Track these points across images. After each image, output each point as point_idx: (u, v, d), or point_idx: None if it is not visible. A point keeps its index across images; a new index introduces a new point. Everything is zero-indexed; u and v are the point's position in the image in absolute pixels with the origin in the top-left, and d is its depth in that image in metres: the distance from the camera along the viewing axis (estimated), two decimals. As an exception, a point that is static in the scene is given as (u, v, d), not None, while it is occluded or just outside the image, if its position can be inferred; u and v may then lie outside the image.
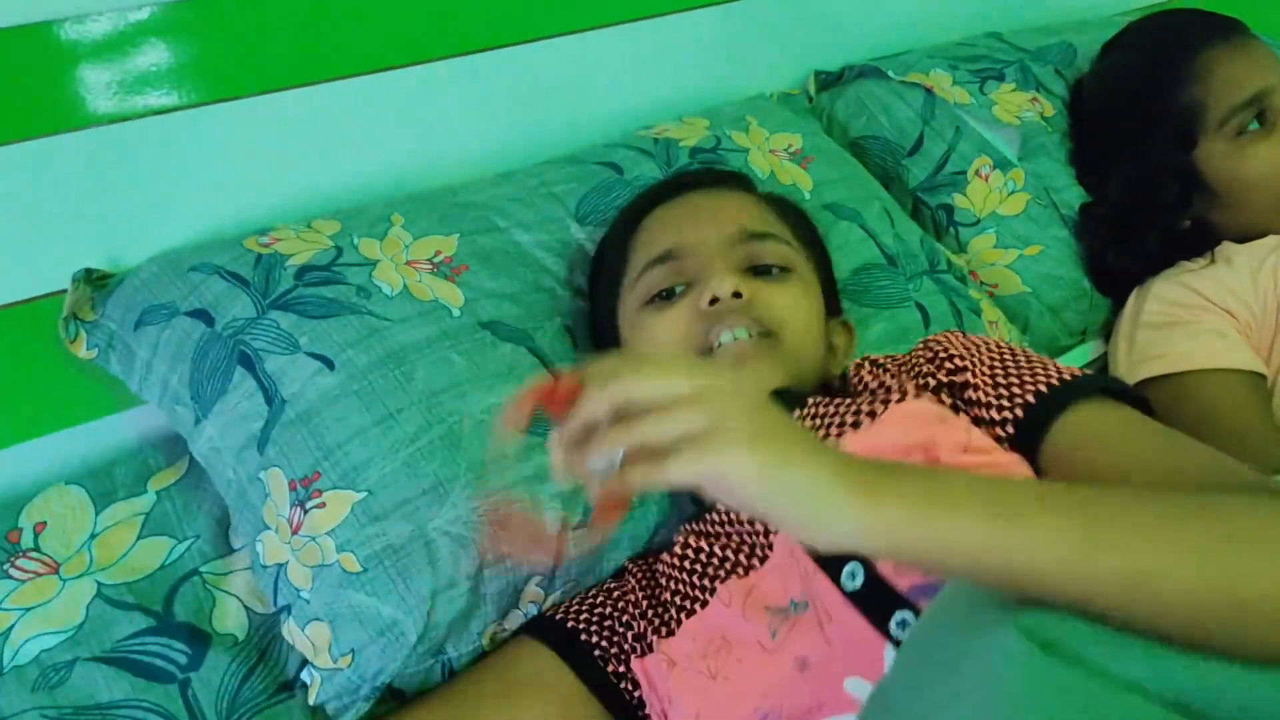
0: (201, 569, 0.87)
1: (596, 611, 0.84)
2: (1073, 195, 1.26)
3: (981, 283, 1.22)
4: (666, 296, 0.85)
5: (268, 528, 0.82)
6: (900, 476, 0.52)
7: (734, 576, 0.77)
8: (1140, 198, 1.20)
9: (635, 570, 0.87)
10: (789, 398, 0.81)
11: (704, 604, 0.77)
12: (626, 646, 0.81)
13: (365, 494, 0.80)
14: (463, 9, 1.08)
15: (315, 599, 0.79)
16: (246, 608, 0.86)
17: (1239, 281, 1.14)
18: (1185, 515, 0.54)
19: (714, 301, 0.81)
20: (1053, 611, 0.51)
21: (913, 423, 0.73)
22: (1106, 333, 1.25)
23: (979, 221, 1.23)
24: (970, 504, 0.51)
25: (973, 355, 0.79)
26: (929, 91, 1.30)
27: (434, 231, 0.97)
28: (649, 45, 1.23)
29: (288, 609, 0.81)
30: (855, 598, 0.68)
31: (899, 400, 0.75)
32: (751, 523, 0.78)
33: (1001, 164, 1.25)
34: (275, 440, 0.83)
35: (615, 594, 0.85)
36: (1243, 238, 1.18)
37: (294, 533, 0.80)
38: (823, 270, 0.93)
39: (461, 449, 0.83)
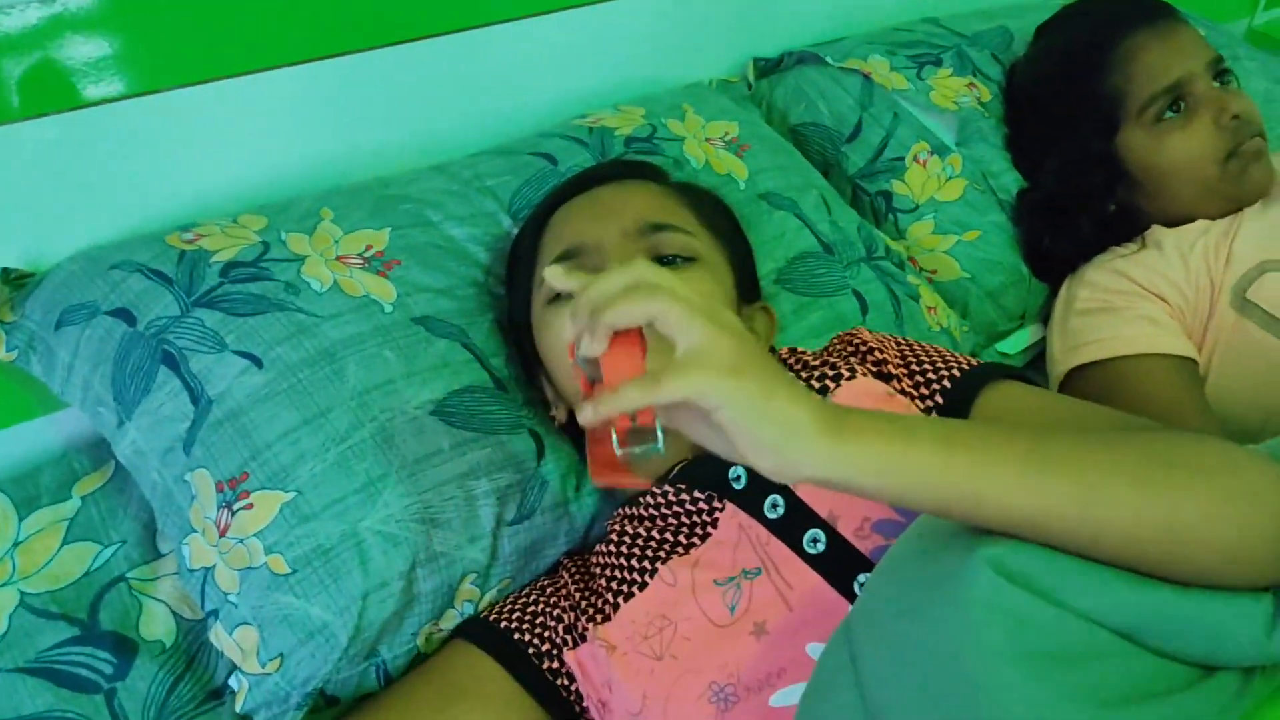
0: (128, 575, 0.85)
1: (529, 610, 0.83)
2: (1010, 180, 1.26)
3: (920, 269, 1.23)
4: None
5: (194, 530, 0.80)
6: (862, 415, 0.56)
7: (675, 556, 0.77)
8: (1071, 183, 1.21)
9: (570, 565, 0.86)
10: None
11: (643, 586, 0.77)
12: (559, 639, 0.80)
13: (294, 494, 0.79)
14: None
15: (243, 602, 0.78)
16: (174, 613, 0.84)
17: (1170, 266, 1.15)
18: (1124, 446, 0.58)
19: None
20: (1014, 545, 0.55)
21: (865, 399, 0.77)
22: (1045, 317, 1.26)
23: (917, 208, 1.23)
24: (926, 434, 0.55)
25: (885, 347, 0.83)
26: (867, 78, 1.29)
27: (365, 225, 0.95)
28: (586, 33, 1.21)
29: (215, 613, 0.79)
30: (817, 562, 0.71)
31: (849, 378, 0.78)
32: (693, 500, 0.78)
33: (939, 150, 1.25)
34: (202, 441, 0.81)
35: (548, 590, 0.85)
36: (1170, 222, 1.20)
37: (221, 535, 0.79)
38: (738, 257, 0.92)
39: (394, 446, 0.82)
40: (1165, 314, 1.13)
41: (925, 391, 0.79)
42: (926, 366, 0.81)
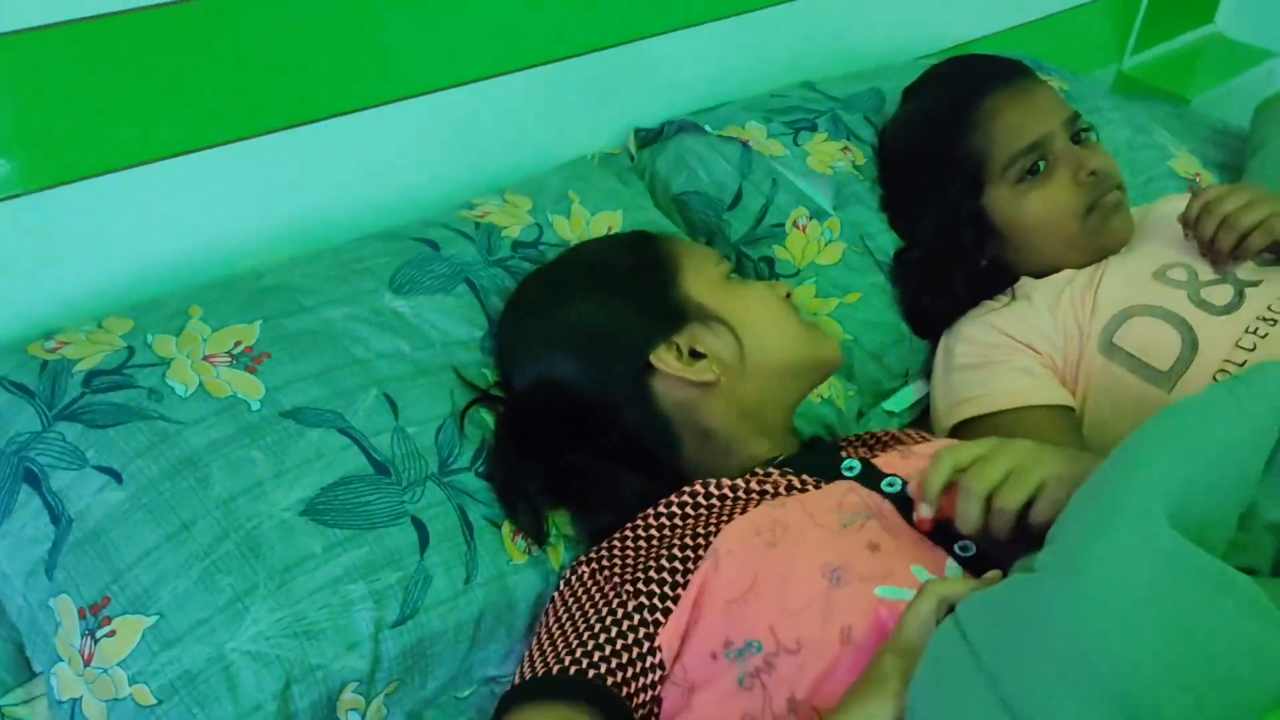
0: (0, 702, 0.81)
1: (604, 639, 0.78)
2: (887, 241, 1.29)
3: (804, 333, 1.24)
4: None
5: (61, 660, 0.77)
6: None
7: (779, 496, 0.85)
8: (944, 242, 1.24)
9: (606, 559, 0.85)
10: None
11: (744, 510, 0.82)
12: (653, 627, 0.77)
13: (156, 618, 0.76)
14: (258, 84, 1.04)
15: (110, 736, 0.75)
16: (48, 740, 0.81)
17: (1038, 317, 1.19)
18: None
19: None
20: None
21: None
22: (928, 373, 1.28)
23: (799, 272, 1.25)
24: None
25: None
26: (745, 145, 1.32)
27: (235, 320, 0.93)
28: (463, 113, 1.21)
29: (84, 747, 0.76)
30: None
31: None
32: (801, 482, 0.86)
33: (818, 214, 1.28)
34: (63, 564, 0.79)
35: (600, 601, 0.81)
36: (1038, 274, 1.24)
37: (86, 664, 0.76)
38: None
39: (260, 556, 0.80)
40: (1038, 364, 1.16)
41: None
42: None
